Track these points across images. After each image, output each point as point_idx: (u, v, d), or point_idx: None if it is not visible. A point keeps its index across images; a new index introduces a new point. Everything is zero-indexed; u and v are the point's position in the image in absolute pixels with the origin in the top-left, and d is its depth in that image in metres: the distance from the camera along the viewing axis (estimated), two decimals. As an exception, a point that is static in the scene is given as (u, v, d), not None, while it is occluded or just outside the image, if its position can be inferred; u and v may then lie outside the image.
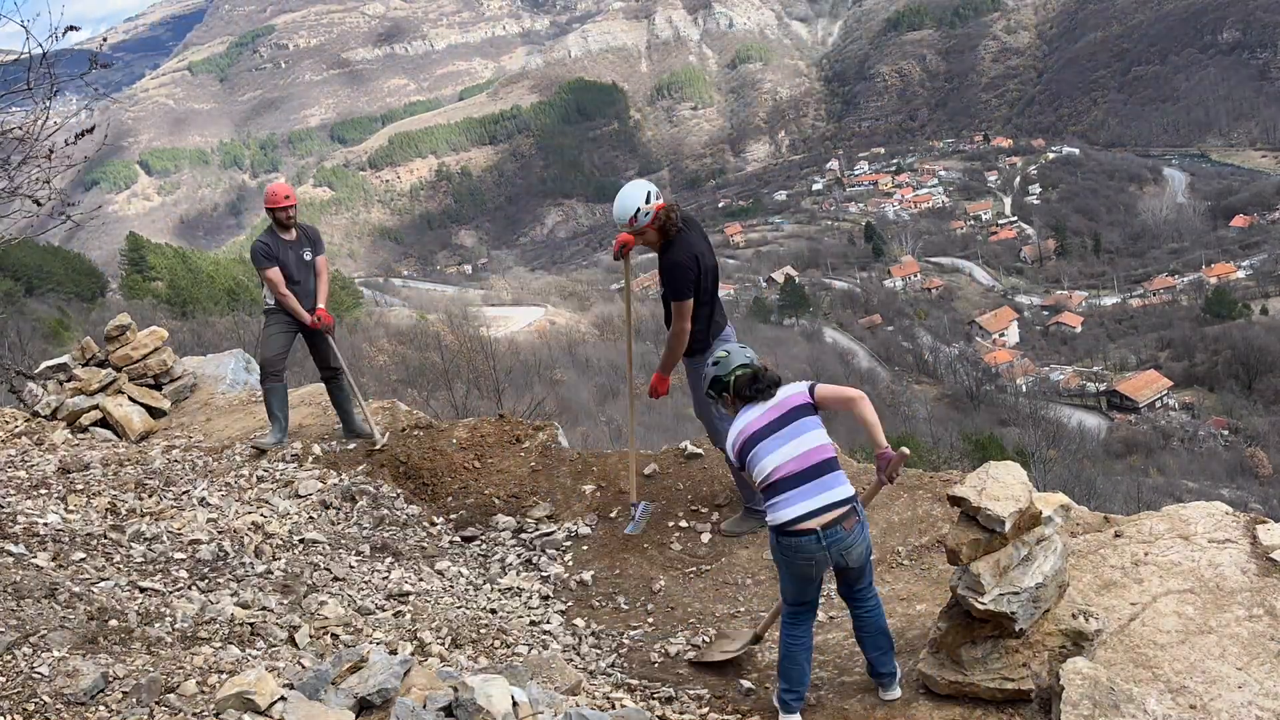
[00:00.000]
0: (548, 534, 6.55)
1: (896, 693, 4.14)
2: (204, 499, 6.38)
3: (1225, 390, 65.62)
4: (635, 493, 6.52)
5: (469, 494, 7.15)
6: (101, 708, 3.24)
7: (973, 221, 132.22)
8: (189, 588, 4.88)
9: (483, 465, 7.36)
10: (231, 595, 4.85)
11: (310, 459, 7.47)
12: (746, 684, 4.54)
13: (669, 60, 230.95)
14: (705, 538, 6.22)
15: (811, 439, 4.15)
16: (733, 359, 4.40)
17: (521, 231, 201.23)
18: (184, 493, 6.52)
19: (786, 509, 4.02)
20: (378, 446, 7.52)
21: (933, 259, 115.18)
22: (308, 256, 7.51)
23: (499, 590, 5.89)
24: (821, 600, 5.38)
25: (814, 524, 3.96)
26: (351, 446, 7.73)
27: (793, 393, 4.29)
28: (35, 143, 4.82)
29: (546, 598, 5.84)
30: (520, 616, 5.56)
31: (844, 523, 3.98)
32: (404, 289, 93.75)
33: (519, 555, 6.43)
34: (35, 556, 4.70)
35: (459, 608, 5.50)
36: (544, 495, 7.00)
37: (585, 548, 6.39)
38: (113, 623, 4.00)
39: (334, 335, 7.74)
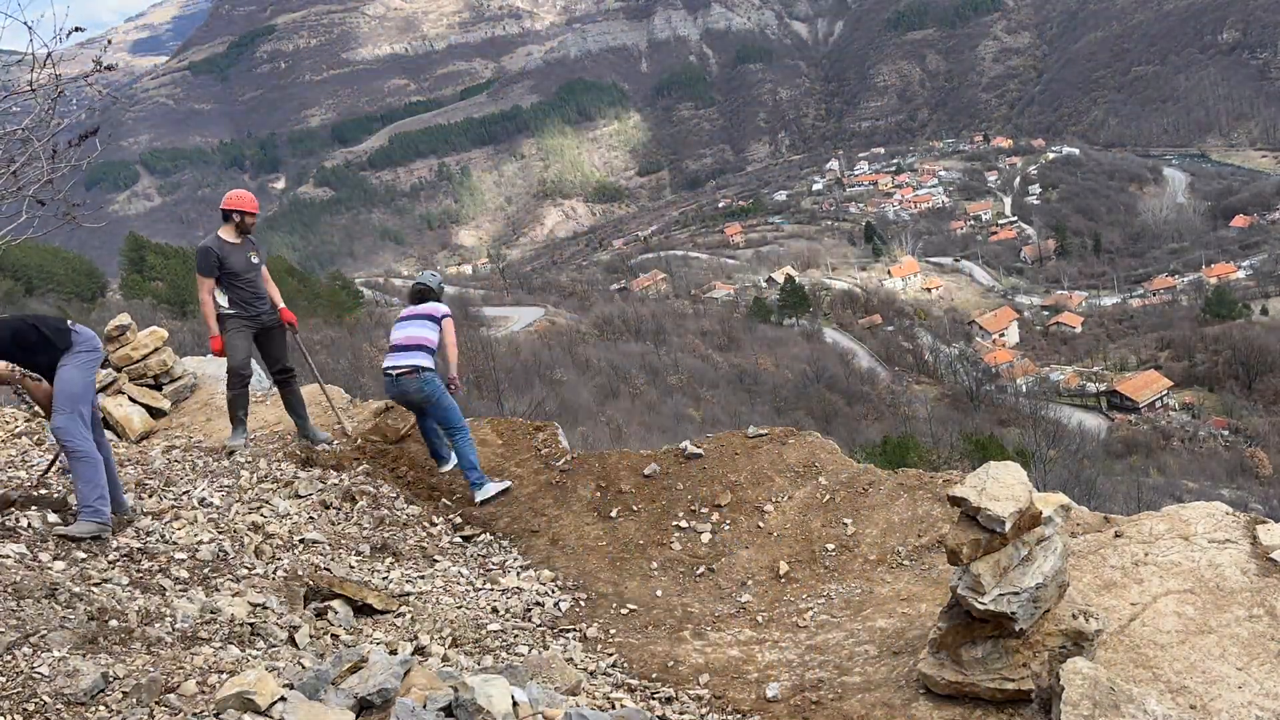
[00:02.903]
0: (547, 534, 6.55)
1: (480, 495, 6.95)
2: (204, 499, 6.38)
3: (1225, 390, 65.60)
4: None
5: (469, 494, 7.16)
6: (101, 708, 3.24)
7: (973, 221, 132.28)
8: (189, 588, 4.88)
9: (483, 465, 7.36)
10: (232, 595, 4.85)
11: (310, 459, 7.47)
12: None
13: (669, 60, 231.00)
14: (705, 538, 6.22)
15: (417, 331, 7.19)
16: (420, 278, 7.74)
17: (521, 231, 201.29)
18: (184, 493, 6.52)
19: (385, 361, 7.24)
20: (345, 442, 7.61)
21: (933, 259, 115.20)
22: (255, 259, 7.50)
23: (499, 590, 5.89)
24: (821, 602, 5.38)
25: (391, 370, 7.09)
26: (354, 446, 7.73)
27: (432, 308, 7.39)
28: (39, 143, 4.82)
29: (546, 597, 5.84)
30: (520, 616, 5.56)
31: (409, 376, 7.01)
32: (404, 289, 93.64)
33: (518, 555, 6.43)
34: (36, 556, 4.70)
35: (459, 608, 5.50)
36: (544, 495, 7.00)
37: (585, 547, 6.39)
38: (113, 623, 4.00)
39: (297, 334, 7.83)
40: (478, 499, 6.96)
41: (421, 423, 7.45)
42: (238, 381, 7.55)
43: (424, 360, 7.05)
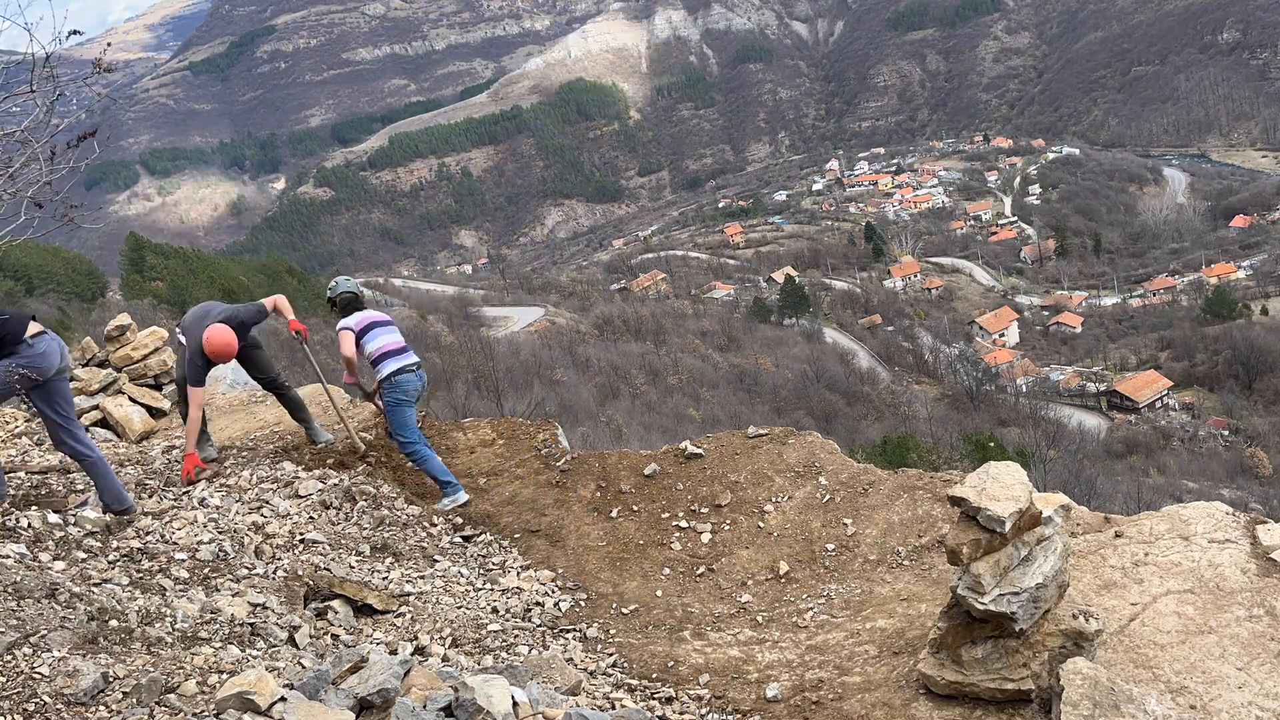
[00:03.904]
0: (547, 534, 6.55)
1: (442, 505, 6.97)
2: (204, 499, 6.39)
3: (1225, 390, 65.59)
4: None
5: (468, 494, 7.16)
6: (101, 708, 3.24)
7: (973, 221, 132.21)
8: (189, 588, 4.88)
9: (483, 465, 7.37)
10: (232, 595, 4.86)
11: (310, 459, 7.47)
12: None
13: (669, 60, 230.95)
14: (705, 538, 6.22)
15: (399, 337, 7.46)
16: (340, 287, 7.69)
17: (522, 231, 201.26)
18: (184, 493, 6.52)
19: (394, 364, 7.23)
20: (352, 447, 7.58)
21: (933, 259, 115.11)
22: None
23: (499, 590, 5.90)
24: (821, 602, 5.38)
25: (413, 368, 7.26)
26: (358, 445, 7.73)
27: (377, 313, 7.57)
28: (37, 145, 4.82)
29: (546, 597, 5.85)
30: (520, 616, 5.56)
31: (420, 367, 7.38)
32: (404, 289, 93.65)
33: (518, 555, 6.43)
34: (36, 556, 4.70)
35: (459, 608, 5.50)
36: (544, 495, 7.00)
37: (585, 547, 6.39)
38: (113, 623, 4.00)
39: (306, 344, 7.87)
40: (444, 507, 7.04)
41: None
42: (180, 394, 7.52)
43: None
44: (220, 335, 6.89)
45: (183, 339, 7.23)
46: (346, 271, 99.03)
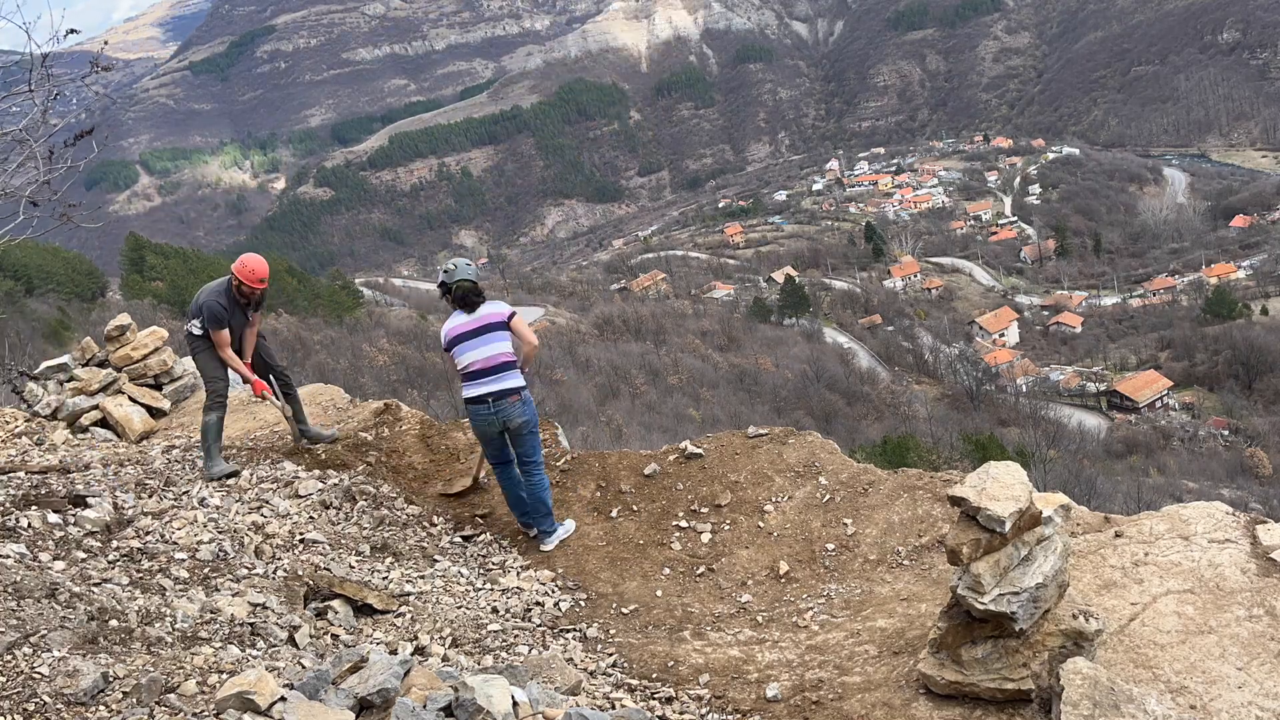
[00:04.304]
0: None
1: (548, 546, 6.28)
2: (204, 499, 6.38)
3: (1225, 390, 65.61)
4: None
5: (469, 494, 7.16)
6: (101, 708, 3.24)
7: (973, 221, 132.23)
8: (189, 588, 4.88)
9: (483, 466, 7.36)
10: (232, 595, 4.85)
11: (311, 459, 7.47)
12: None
13: (669, 60, 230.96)
14: (705, 538, 6.22)
15: (496, 349, 6.12)
16: (458, 272, 6.26)
17: (522, 231, 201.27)
18: (184, 493, 6.52)
19: (470, 390, 6.15)
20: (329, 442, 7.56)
21: (933, 259, 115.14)
22: (249, 316, 7.44)
23: (499, 590, 5.90)
24: (821, 602, 5.38)
25: (488, 398, 6.06)
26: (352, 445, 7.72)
27: (492, 310, 6.22)
28: (35, 144, 4.82)
29: (546, 597, 5.85)
30: (520, 616, 5.56)
31: (509, 399, 6.07)
32: (404, 289, 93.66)
33: (518, 555, 6.43)
34: (36, 556, 4.70)
35: (459, 608, 5.50)
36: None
37: (585, 547, 6.39)
38: (113, 623, 4.00)
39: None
40: (544, 548, 6.31)
41: (504, 471, 6.42)
42: (220, 403, 7.27)
43: (518, 380, 6.18)
44: (255, 256, 7.20)
45: (194, 323, 7.19)
46: (347, 271, 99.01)
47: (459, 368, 6.23)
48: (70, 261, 49.89)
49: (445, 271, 6.35)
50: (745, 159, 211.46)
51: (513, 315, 6.30)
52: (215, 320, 7.06)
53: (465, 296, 6.23)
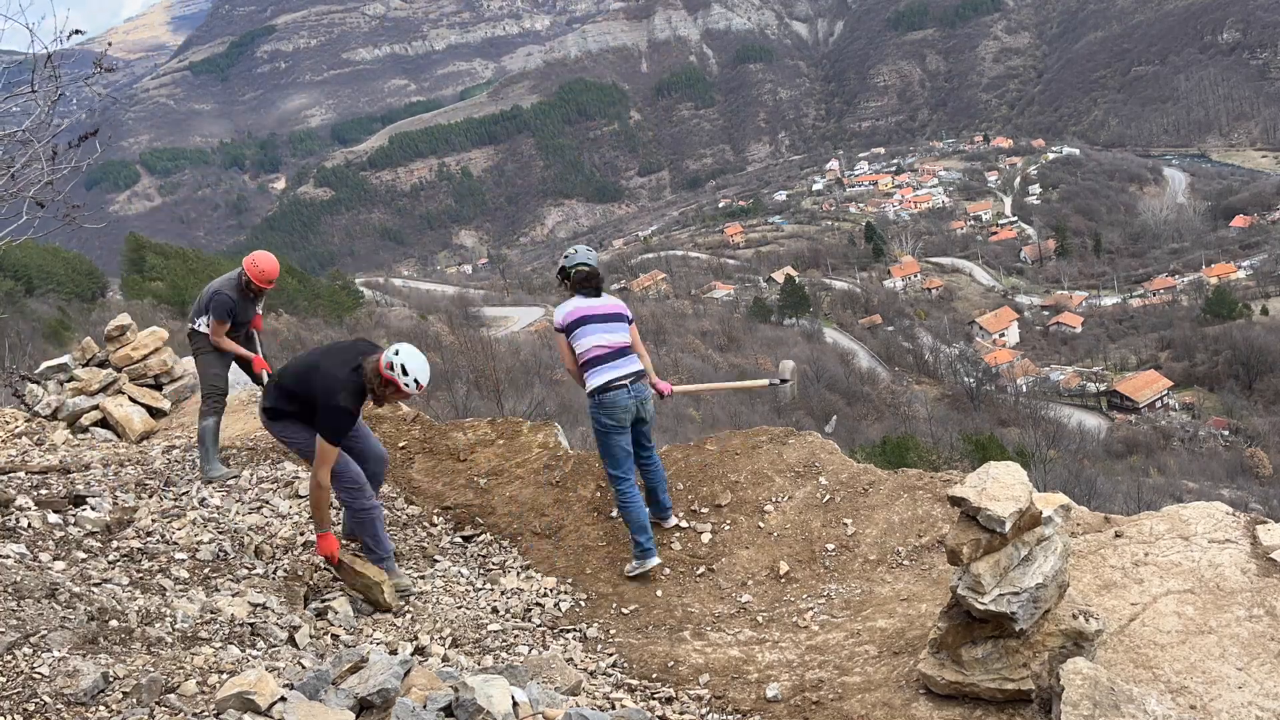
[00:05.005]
0: (547, 534, 6.55)
1: (672, 520, 6.23)
2: (205, 499, 6.39)
3: (1225, 390, 65.59)
4: None
5: (468, 494, 7.16)
6: (101, 708, 3.24)
7: (973, 221, 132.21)
8: (189, 588, 4.88)
9: (483, 466, 7.37)
10: (232, 595, 4.86)
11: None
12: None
13: (669, 60, 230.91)
14: (705, 538, 6.22)
15: (623, 337, 5.93)
16: (578, 256, 6.14)
17: (522, 231, 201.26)
18: (184, 493, 6.52)
19: (601, 376, 5.80)
20: None
21: (933, 259, 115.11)
22: (256, 309, 7.49)
23: (499, 590, 5.90)
24: (821, 602, 5.38)
25: (624, 381, 5.77)
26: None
27: (618, 304, 6.08)
28: (39, 144, 4.82)
29: (546, 598, 5.85)
30: (520, 616, 5.57)
31: (640, 379, 5.88)
32: (404, 289, 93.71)
33: (518, 555, 6.44)
34: (36, 556, 4.70)
35: (459, 608, 5.51)
36: (544, 495, 7.00)
37: (585, 547, 6.39)
38: (113, 623, 4.00)
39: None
40: (629, 572, 5.90)
41: (629, 484, 5.99)
42: (221, 405, 7.23)
43: (641, 366, 5.97)
44: (267, 255, 7.17)
45: (200, 321, 7.16)
46: (347, 271, 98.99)
47: (582, 350, 5.84)
48: (70, 261, 49.85)
49: (565, 256, 6.18)
50: (745, 159, 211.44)
51: (631, 319, 6.07)
52: (221, 309, 7.06)
53: (588, 279, 5.98)
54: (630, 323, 6.03)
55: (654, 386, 6.07)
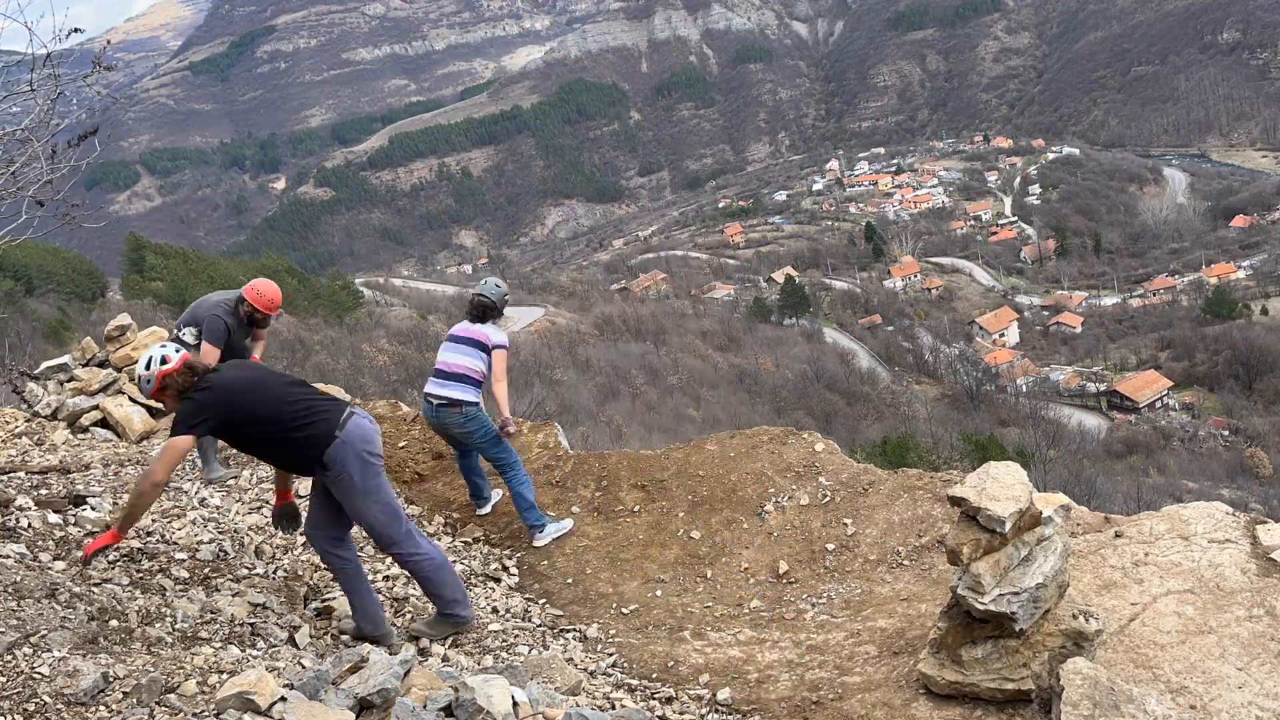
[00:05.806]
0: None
1: (540, 541, 6.41)
2: (205, 499, 6.39)
3: (1225, 390, 65.61)
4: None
5: (469, 494, 7.16)
6: (102, 708, 3.24)
7: (973, 221, 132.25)
8: (189, 588, 4.88)
9: (483, 466, 7.37)
10: (232, 595, 4.86)
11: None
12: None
13: (669, 60, 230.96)
14: (705, 538, 6.23)
15: (465, 360, 6.35)
16: (482, 287, 6.66)
17: (522, 231, 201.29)
18: (184, 493, 6.52)
19: (428, 386, 6.42)
20: None
21: (933, 259, 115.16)
22: (248, 342, 7.19)
23: (499, 590, 5.90)
24: (821, 602, 5.38)
25: (432, 399, 6.32)
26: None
27: (486, 331, 6.43)
28: (39, 143, 4.82)
29: (546, 598, 5.85)
30: (520, 617, 5.57)
31: (451, 409, 6.27)
32: (404, 289, 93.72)
33: (518, 556, 6.44)
34: (36, 556, 4.70)
35: (459, 608, 5.50)
36: (544, 495, 7.00)
37: (585, 547, 6.40)
38: (113, 623, 4.00)
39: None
40: (536, 543, 6.45)
41: (462, 460, 6.83)
42: None
43: (468, 394, 6.32)
44: (269, 282, 7.08)
45: (187, 330, 7.05)
46: (347, 271, 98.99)
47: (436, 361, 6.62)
48: (70, 261, 49.82)
49: (480, 283, 6.81)
50: (745, 159, 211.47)
51: (500, 347, 6.45)
52: (214, 335, 6.79)
53: (476, 306, 6.57)
54: (490, 352, 6.40)
55: (501, 418, 6.34)
